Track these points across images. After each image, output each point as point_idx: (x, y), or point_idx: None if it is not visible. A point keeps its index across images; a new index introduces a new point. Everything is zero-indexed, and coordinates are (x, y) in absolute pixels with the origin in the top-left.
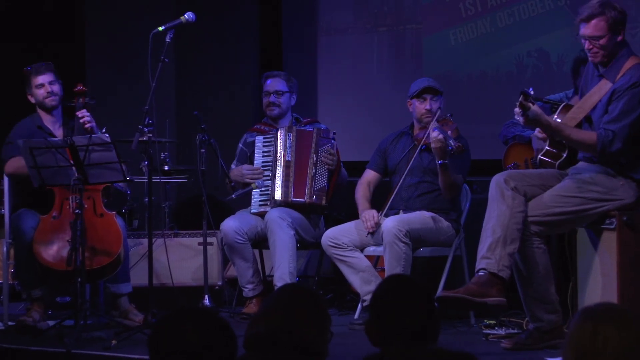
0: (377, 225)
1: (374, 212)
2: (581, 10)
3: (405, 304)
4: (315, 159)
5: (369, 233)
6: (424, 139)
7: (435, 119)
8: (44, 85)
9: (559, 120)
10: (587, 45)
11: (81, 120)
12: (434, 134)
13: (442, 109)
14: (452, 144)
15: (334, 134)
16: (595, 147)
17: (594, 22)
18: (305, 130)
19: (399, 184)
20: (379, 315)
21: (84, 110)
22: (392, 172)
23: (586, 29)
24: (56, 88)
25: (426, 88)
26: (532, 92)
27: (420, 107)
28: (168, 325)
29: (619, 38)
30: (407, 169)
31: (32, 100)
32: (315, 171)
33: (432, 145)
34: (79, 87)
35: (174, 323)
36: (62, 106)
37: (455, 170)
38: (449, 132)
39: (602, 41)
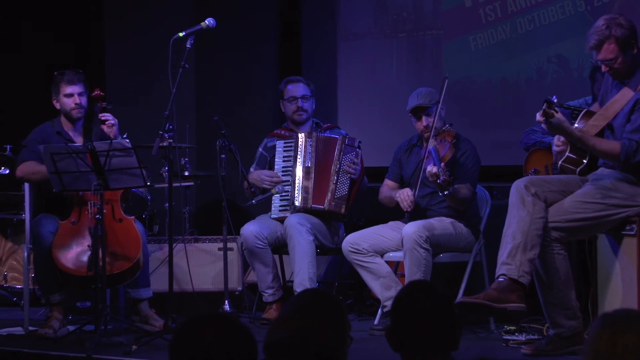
0: (414, 203)
1: (407, 190)
2: (589, 37)
3: (426, 311)
4: (338, 166)
5: (407, 213)
6: (424, 156)
7: (432, 134)
8: (73, 95)
9: (580, 127)
10: (604, 68)
11: (104, 119)
12: (428, 169)
13: (442, 117)
14: (441, 177)
15: (359, 142)
16: (619, 157)
17: (604, 47)
18: (331, 137)
19: (415, 195)
20: (400, 321)
21: (108, 114)
22: (407, 184)
23: (599, 55)
24: (84, 100)
25: (415, 107)
26: (555, 100)
27: (417, 124)
28: (189, 330)
29: (634, 51)
30: (419, 181)
31: (57, 107)
32: (337, 179)
33: (429, 179)
34: (97, 92)
35: (194, 329)
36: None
37: (461, 180)
38: (444, 152)
39: (617, 62)
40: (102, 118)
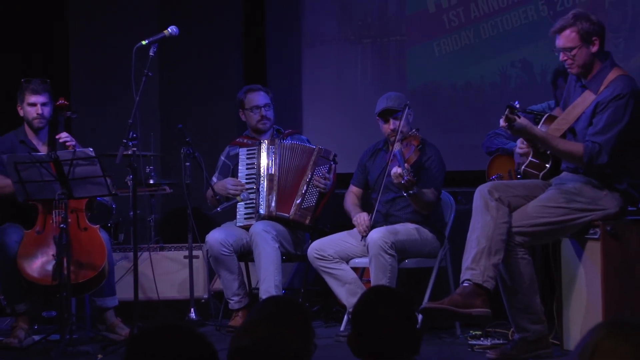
0: (370, 228)
1: (364, 215)
2: (555, 22)
3: (387, 316)
4: (309, 177)
5: (362, 237)
6: (389, 160)
7: (398, 138)
8: (36, 105)
9: (544, 131)
10: (561, 56)
11: (62, 141)
12: (393, 170)
13: (409, 122)
14: (405, 177)
15: (334, 155)
16: (582, 158)
17: (565, 33)
18: (307, 147)
19: (377, 201)
20: (361, 327)
21: (64, 133)
22: (371, 189)
23: (559, 41)
24: (47, 111)
25: (384, 110)
26: (518, 106)
27: (385, 127)
28: (143, 342)
29: (594, 49)
30: (382, 186)
31: (21, 114)
32: (307, 189)
33: (394, 181)
34: (61, 101)
35: (149, 340)
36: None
37: (426, 185)
38: (409, 154)
39: (574, 52)
40: (60, 140)
